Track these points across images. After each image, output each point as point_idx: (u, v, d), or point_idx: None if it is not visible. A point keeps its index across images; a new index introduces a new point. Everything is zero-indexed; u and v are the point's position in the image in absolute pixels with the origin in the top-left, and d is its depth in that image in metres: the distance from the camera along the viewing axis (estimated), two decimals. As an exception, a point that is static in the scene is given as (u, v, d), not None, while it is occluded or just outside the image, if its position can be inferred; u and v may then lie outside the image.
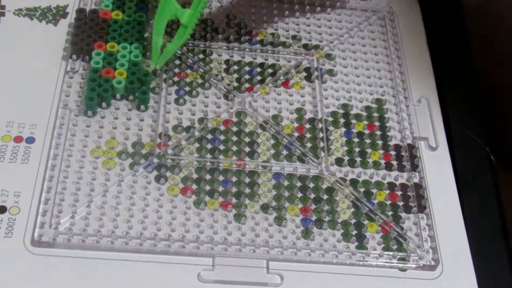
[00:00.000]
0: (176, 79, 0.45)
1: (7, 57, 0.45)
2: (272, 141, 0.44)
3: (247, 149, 0.43)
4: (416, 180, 0.43)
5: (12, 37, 0.46)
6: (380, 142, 0.44)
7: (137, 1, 0.47)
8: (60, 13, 0.48)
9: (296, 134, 0.44)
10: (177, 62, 0.46)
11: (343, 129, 0.45)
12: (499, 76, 0.52)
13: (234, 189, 0.41)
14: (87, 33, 0.45)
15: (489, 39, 0.54)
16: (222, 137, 0.43)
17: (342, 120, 0.45)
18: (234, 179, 0.41)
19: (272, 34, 0.49)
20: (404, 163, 0.44)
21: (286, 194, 0.41)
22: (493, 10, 0.54)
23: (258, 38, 0.49)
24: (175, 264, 0.38)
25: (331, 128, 0.45)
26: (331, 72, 0.48)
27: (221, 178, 0.41)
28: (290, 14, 0.51)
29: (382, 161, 0.44)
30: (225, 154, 0.42)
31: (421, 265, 0.39)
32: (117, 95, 0.43)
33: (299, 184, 0.42)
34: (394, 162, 0.44)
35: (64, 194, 0.39)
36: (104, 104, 0.43)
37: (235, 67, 0.47)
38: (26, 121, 0.42)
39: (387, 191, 0.42)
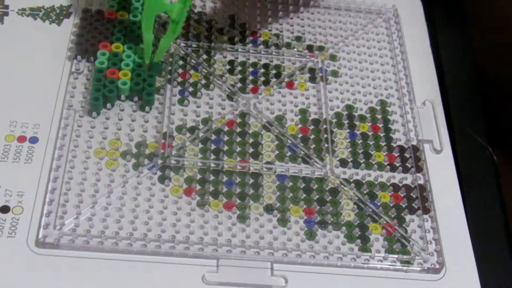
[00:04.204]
0: (180, 79, 0.45)
1: (11, 56, 0.45)
2: (276, 143, 0.44)
3: (251, 151, 0.43)
4: (420, 182, 0.43)
5: (15, 36, 0.46)
6: (384, 144, 0.44)
7: (143, 1, 0.47)
8: (63, 13, 0.48)
9: (300, 135, 0.44)
10: (181, 62, 0.46)
11: (347, 131, 0.45)
12: (503, 78, 0.52)
13: (238, 190, 0.41)
14: (92, 34, 0.45)
15: (493, 41, 0.54)
16: (226, 138, 0.43)
17: (346, 122, 0.45)
18: (238, 180, 0.41)
19: (277, 35, 0.49)
20: (408, 165, 0.44)
21: (290, 195, 0.41)
22: (497, 12, 0.54)
23: (262, 39, 0.49)
24: (179, 265, 0.38)
25: (335, 129, 0.45)
26: (335, 74, 0.48)
27: (225, 179, 0.41)
28: (294, 15, 0.51)
29: (386, 163, 0.44)
30: (229, 156, 0.42)
31: (425, 268, 0.39)
32: (122, 96, 0.43)
33: (303, 185, 0.42)
34: (398, 164, 0.44)
35: (69, 195, 0.39)
36: (108, 105, 0.43)
37: (239, 68, 0.47)
38: (29, 121, 0.42)
39: (391, 193, 0.42)
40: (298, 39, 0.49)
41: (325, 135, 0.44)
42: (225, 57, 0.47)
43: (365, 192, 0.42)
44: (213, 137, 0.43)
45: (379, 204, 0.42)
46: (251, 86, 0.46)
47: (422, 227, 0.41)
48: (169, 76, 0.45)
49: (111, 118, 0.43)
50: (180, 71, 0.46)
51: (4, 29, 0.46)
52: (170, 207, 0.40)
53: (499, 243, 0.42)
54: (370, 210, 0.41)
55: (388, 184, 0.43)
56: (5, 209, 0.38)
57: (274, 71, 0.47)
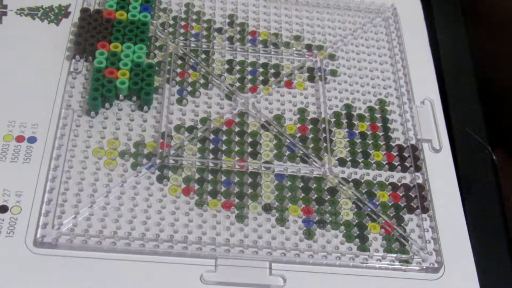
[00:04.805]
0: (178, 79, 0.45)
1: (9, 56, 0.45)
2: (275, 142, 0.44)
3: (249, 150, 0.43)
4: (419, 181, 0.43)
5: (14, 36, 0.46)
6: (383, 143, 0.44)
7: (142, 1, 0.47)
8: (62, 13, 0.48)
9: (298, 134, 0.44)
10: (180, 62, 0.46)
11: (346, 130, 0.45)
12: (503, 77, 0.52)
13: (236, 190, 0.41)
14: (91, 33, 0.45)
15: (492, 40, 0.54)
16: (224, 138, 0.43)
17: (345, 121, 0.45)
18: (236, 179, 0.41)
19: (275, 34, 0.49)
20: (407, 164, 0.44)
21: (289, 195, 0.41)
22: (497, 11, 0.54)
23: (260, 38, 0.49)
24: (177, 265, 0.38)
25: (334, 128, 0.45)
26: (334, 73, 0.48)
27: (223, 178, 0.41)
28: (293, 14, 0.51)
29: (385, 162, 0.44)
30: (227, 155, 0.42)
31: (424, 267, 0.39)
32: (120, 95, 0.43)
33: (301, 185, 0.42)
34: (397, 163, 0.44)
35: (67, 194, 0.39)
36: (107, 105, 0.43)
37: (238, 68, 0.47)
38: (28, 121, 0.42)
39: (390, 192, 0.42)
40: (297, 38, 0.49)
41: (324, 135, 0.44)
42: (223, 56, 0.47)
43: (363, 191, 0.42)
44: (212, 136, 0.43)
45: (377, 203, 0.42)
46: (249, 85, 0.46)
47: (420, 226, 0.41)
48: (167, 76, 0.45)
49: (109, 117, 0.43)
50: (178, 70, 0.46)
51: (2, 29, 0.46)
52: (169, 207, 0.40)
53: (498, 242, 0.42)
54: (369, 209, 0.41)
55: (387, 183, 0.43)
56: (4, 209, 0.38)
57: (272, 71, 0.47)
